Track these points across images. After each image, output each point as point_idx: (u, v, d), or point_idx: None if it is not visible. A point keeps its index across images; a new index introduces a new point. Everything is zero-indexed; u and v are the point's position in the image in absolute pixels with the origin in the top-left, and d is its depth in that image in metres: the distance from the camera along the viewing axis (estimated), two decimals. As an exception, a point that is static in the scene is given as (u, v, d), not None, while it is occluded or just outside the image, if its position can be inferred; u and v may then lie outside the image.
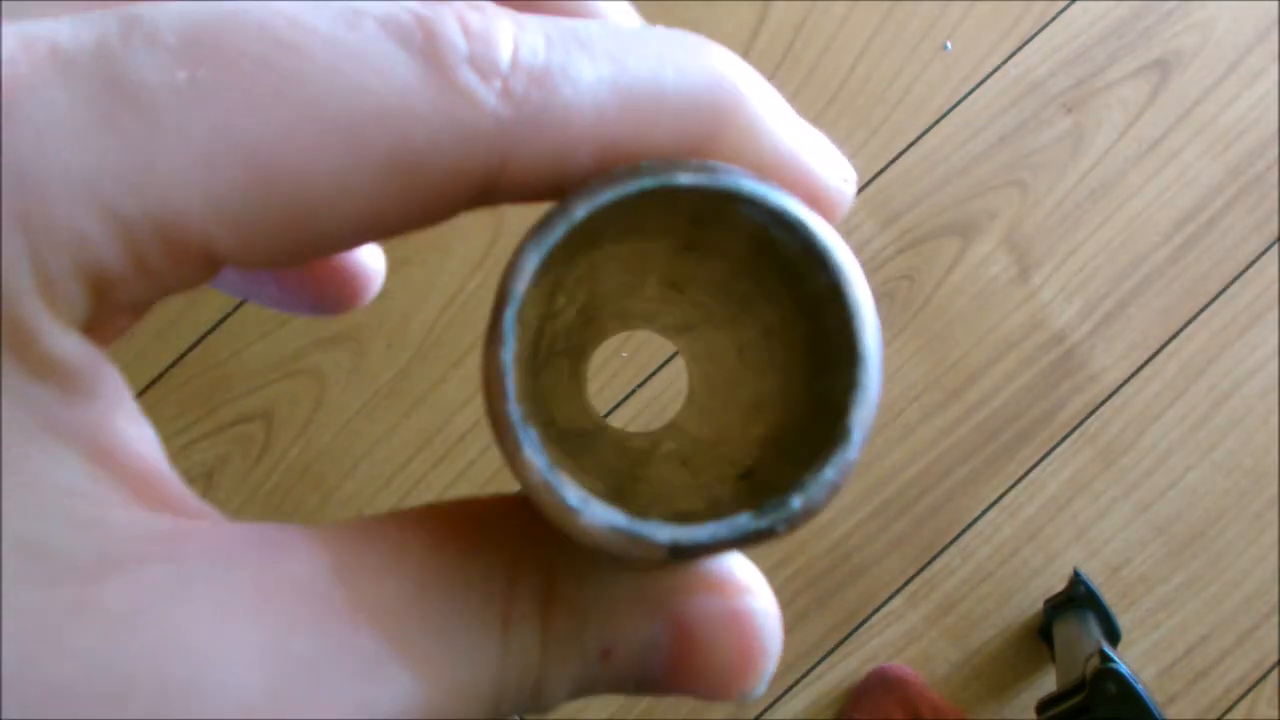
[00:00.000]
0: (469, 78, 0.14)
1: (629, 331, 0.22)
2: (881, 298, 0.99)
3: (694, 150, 0.16)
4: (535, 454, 0.15)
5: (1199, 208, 1.00)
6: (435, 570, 0.14)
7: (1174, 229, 1.00)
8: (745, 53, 0.96)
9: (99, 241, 0.13)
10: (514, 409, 0.15)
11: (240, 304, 0.96)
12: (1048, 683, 0.97)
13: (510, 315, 0.15)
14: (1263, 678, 0.97)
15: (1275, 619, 0.97)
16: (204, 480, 0.94)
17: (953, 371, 0.99)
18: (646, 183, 0.15)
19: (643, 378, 0.97)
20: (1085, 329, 0.99)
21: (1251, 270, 1.00)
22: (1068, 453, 0.99)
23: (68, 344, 0.13)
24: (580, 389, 0.22)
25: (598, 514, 0.14)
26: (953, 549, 0.98)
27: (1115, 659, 0.84)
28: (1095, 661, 0.85)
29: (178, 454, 0.91)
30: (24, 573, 0.12)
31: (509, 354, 0.15)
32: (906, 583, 0.98)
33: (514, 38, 0.14)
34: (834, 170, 0.17)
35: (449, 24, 0.14)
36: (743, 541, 0.15)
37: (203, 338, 0.95)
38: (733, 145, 0.16)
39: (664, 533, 0.14)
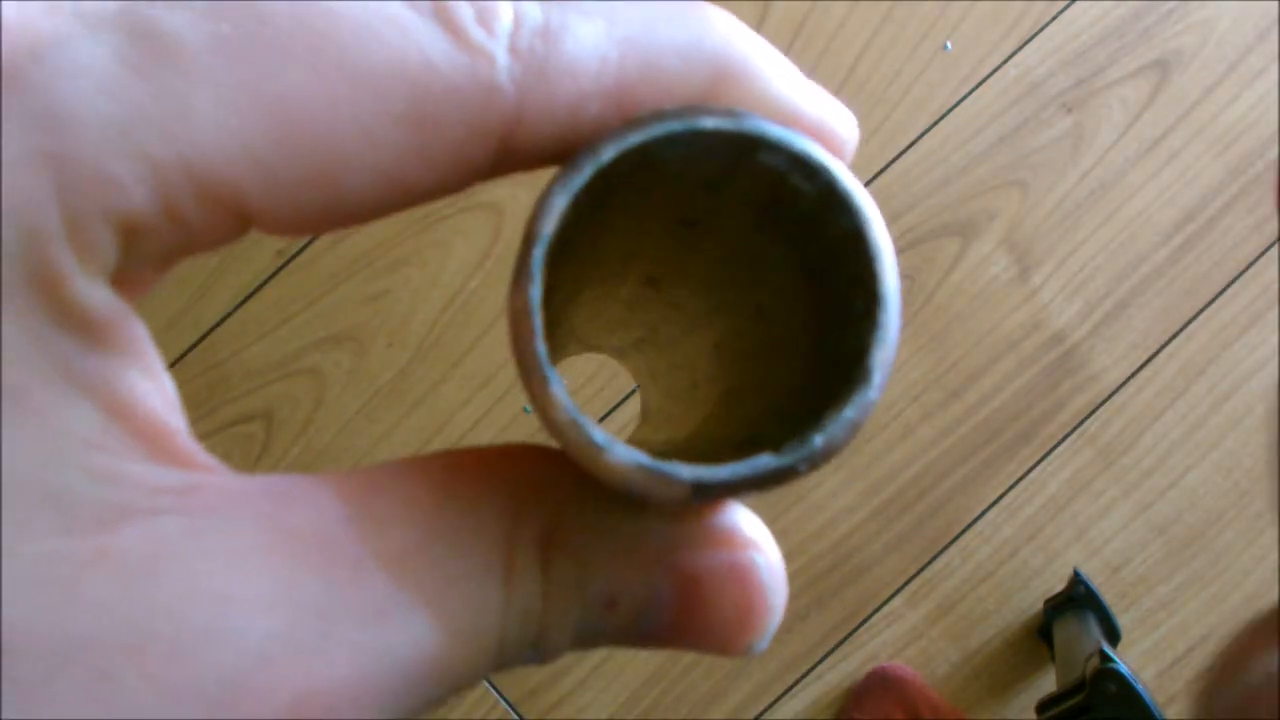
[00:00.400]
0: (478, 33, 0.14)
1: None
2: (881, 298, 0.99)
3: (702, 99, 0.16)
4: (562, 392, 0.15)
5: (1199, 208, 1.00)
6: (442, 518, 0.15)
7: (1174, 229, 1.00)
8: (745, 53, 0.96)
9: (130, 186, 0.13)
10: (541, 347, 0.15)
11: (241, 303, 0.96)
12: (1048, 683, 0.97)
13: (539, 254, 0.15)
14: (1263, 678, 0.97)
15: (1275, 619, 0.97)
16: (204, 480, 0.94)
17: (953, 371, 0.99)
18: (673, 125, 0.15)
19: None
20: (1085, 329, 0.99)
21: (1251, 270, 1.00)
22: (1068, 453, 0.99)
23: (93, 293, 0.13)
24: None
25: (622, 452, 0.14)
26: (953, 549, 0.98)
27: (1115, 659, 0.84)
28: (1095, 661, 0.85)
29: (178, 454, 0.91)
30: (43, 521, 0.12)
31: (536, 293, 0.15)
32: (906, 583, 0.98)
33: (512, 4, 0.15)
34: (838, 117, 0.17)
35: None
36: (764, 481, 0.15)
37: (203, 337, 0.95)
38: (736, 96, 0.16)
39: (687, 471, 0.14)
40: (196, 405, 0.94)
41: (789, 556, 0.99)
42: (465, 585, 0.14)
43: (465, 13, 0.15)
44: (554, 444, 0.16)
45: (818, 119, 0.17)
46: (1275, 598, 0.97)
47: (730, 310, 0.19)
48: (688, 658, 0.93)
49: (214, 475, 0.14)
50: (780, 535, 0.97)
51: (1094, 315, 1.00)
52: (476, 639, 0.15)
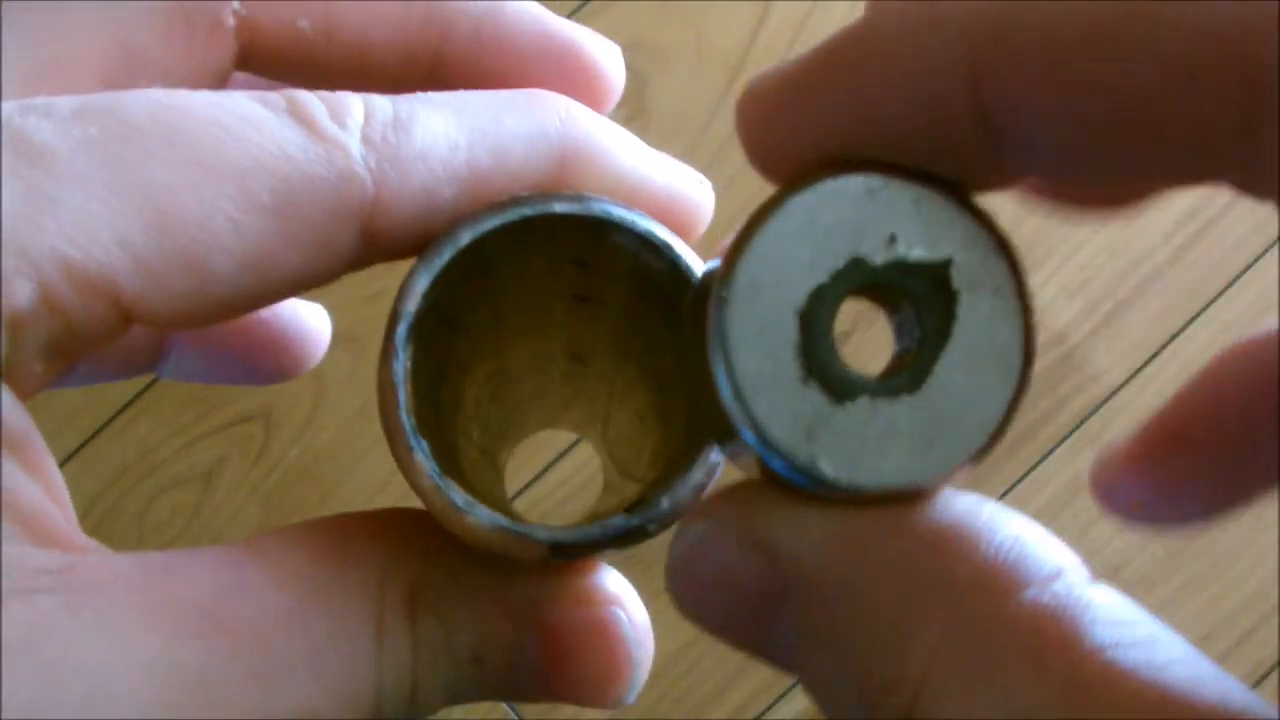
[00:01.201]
0: (331, 127, 0.16)
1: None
2: (881, 298, 0.99)
3: (551, 181, 0.17)
4: (425, 459, 0.16)
5: (1199, 208, 1.00)
6: (315, 583, 0.15)
7: (1174, 229, 1.00)
8: (745, 53, 0.96)
9: (8, 279, 0.14)
10: (405, 418, 0.16)
11: (240, 304, 0.96)
12: (1048, 683, 0.97)
13: (401, 331, 0.16)
14: (1263, 678, 0.97)
15: (1275, 619, 0.97)
16: (203, 480, 0.94)
17: (953, 371, 0.99)
18: (525, 210, 0.16)
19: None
20: (1085, 329, 0.99)
21: (1251, 270, 1.00)
22: (1068, 453, 0.99)
23: None
24: (498, 478, 0.24)
25: (483, 515, 0.16)
26: (953, 549, 0.98)
27: (1115, 659, 0.84)
28: (1095, 662, 0.85)
29: (177, 454, 0.91)
30: None
31: (400, 368, 0.16)
32: (906, 583, 0.98)
33: (362, 100, 0.16)
34: (687, 183, 0.18)
35: (305, 94, 0.16)
36: (618, 540, 0.16)
37: (202, 338, 0.95)
38: (585, 174, 0.17)
39: (543, 533, 0.16)
40: (195, 406, 0.93)
41: (789, 557, 0.98)
42: (339, 646, 0.15)
43: (318, 108, 0.16)
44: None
45: (666, 187, 0.18)
46: (1275, 598, 0.97)
47: (644, 379, 0.20)
48: (690, 657, 0.93)
49: (92, 555, 0.14)
50: (780, 535, 0.97)
51: (1094, 315, 1.00)
52: (352, 698, 0.15)
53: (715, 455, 0.16)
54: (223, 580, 0.15)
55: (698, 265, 0.16)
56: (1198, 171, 0.11)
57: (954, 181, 0.13)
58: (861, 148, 0.13)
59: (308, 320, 0.26)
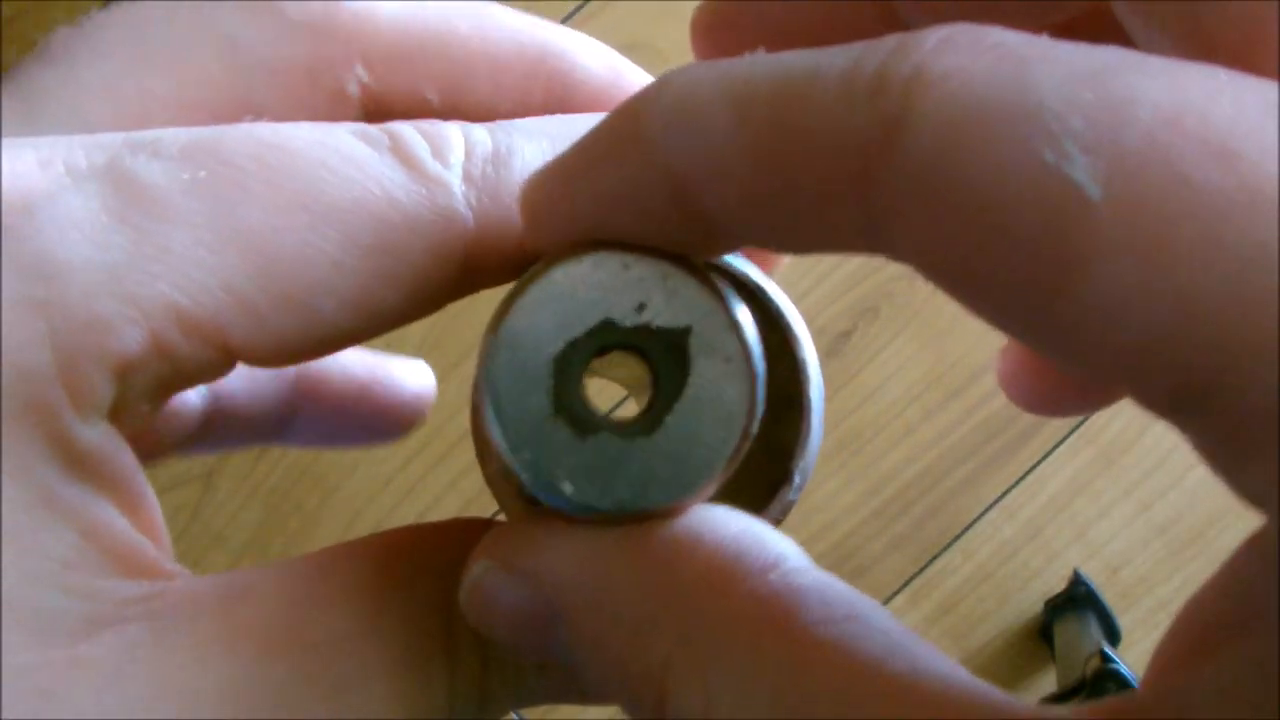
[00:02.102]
0: (434, 166, 0.16)
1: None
2: (882, 298, 0.99)
3: None
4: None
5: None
6: (384, 600, 0.16)
7: (1174, 229, 1.00)
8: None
9: (119, 327, 0.14)
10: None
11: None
12: (1048, 683, 0.97)
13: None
14: (1263, 678, 0.97)
15: (1275, 619, 0.97)
16: (203, 480, 0.94)
17: (953, 371, 0.99)
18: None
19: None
20: (1085, 329, 0.99)
21: None
22: (1068, 453, 0.99)
23: (83, 430, 0.14)
24: None
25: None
26: (953, 549, 0.98)
27: (1116, 659, 0.84)
28: (1095, 662, 0.85)
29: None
30: (23, 635, 0.13)
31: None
32: (907, 583, 0.98)
33: (463, 133, 0.16)
34: None
35: (408, 130, 0.16)
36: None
37: (202, 338, 0.95)
38: None
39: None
40: (196, 405, 0.94)
41: (789, 557, 0.99)
42: (412, 661, 0.15)
43: (420, 147, 0.16)
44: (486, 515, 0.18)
45: None
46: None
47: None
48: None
49: (177, 581, 0.15)
50: (780, 535, 0.97)
51: (1094, 315, 1.00)
52: (427, 709, 0.16)
53: (795, 493, 0.17)
54: (298, 598, 0.15)
55: (787, 308, 0.17)
56: (853, 244, 0.13)
57: (702, 263, 0.15)
58: (609, 231, 0.15)
59: (420, 379, 0.26)
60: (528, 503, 0.16)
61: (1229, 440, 0.11)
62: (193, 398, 0.22)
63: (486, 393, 0.15)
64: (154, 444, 0.22)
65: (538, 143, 0.17)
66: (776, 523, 0.17)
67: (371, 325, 0.16)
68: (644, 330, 0.15)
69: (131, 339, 0.14)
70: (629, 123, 0.14)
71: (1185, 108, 0.11)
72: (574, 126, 0.17)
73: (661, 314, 0.15)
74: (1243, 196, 0.10)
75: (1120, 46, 0.12)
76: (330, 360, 0.24)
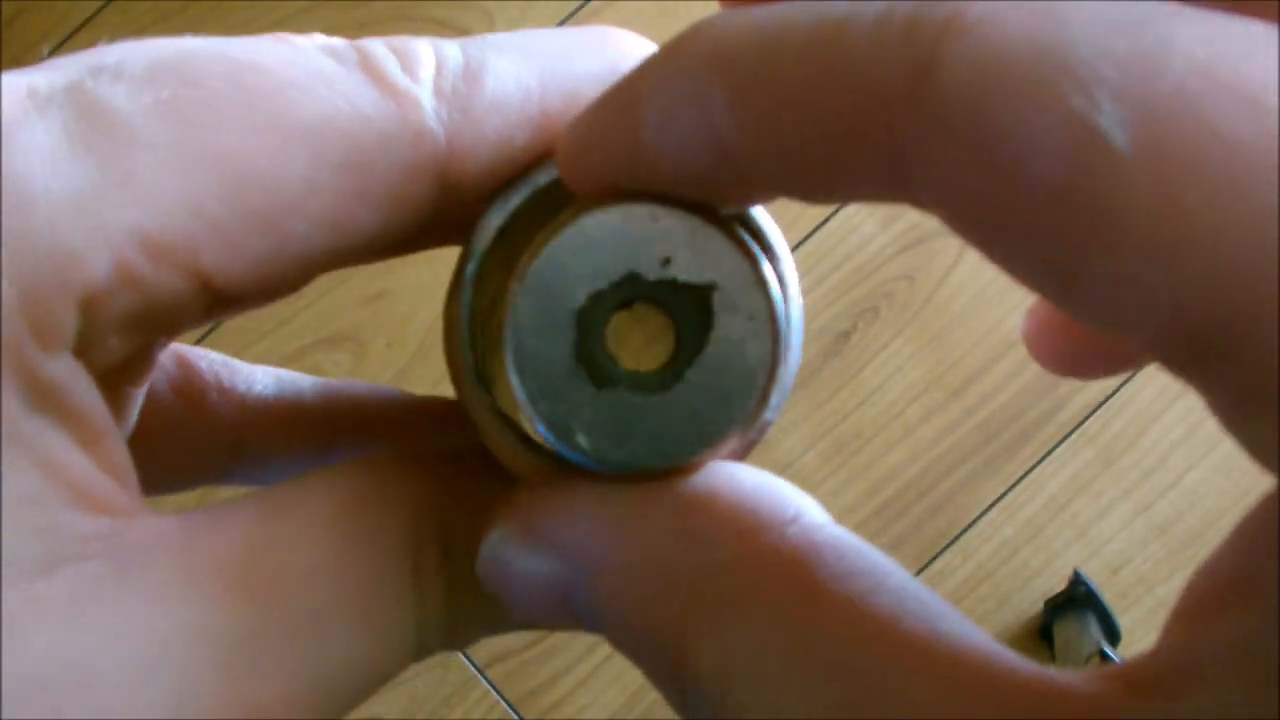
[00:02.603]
0: (403, 80, 0.15)
1: None
2: (881, 298, 0.99)
3: None
4: (484, 394, 0.16)
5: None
6: (350, 532, 0.15)
7: (1174, 229, 1.00)
8: (745, 53, 0.96)
9: (85, 256, 0.14)
10: (467, 354, 0.16)
11: (240, 304, 0.96)
12: (1048, 683, 0.97)
13: (471, 269, 0.16)
14: (1263, 678, 0.97)
15: (1275, 619, 0.97)
16: (204, 480, 0.94)
17: (953, 371, 0.99)
18: None
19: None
20: (1085, 329, 0.99)
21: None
22: (1068, 453, 0.99)
23: (45, 361, 0.14)
24: None
25: (538, 451, 0.16)
26: (953, 549, 0.98)
27: (1116, 659, 0.84)
28: (1095, 662, 0.85)
29: (178, 454, 0.91)
30: None
31: (465, 306, 0.16)
32: (907, 583, 0.98)
33: (433, 47, 0.16)
34: None
35: (377, 46, 0.16)
36: (663, 475, 0.16)
37: (203, 338, 0.95)
38: None
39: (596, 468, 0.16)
40: (196, 405, 0.94)
41: (789, 557, 0.99)
42: (379, 592, 0.15)
43: (389, 62, 0.16)
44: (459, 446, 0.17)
45: None
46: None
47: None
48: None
49: (140, 519, 0.15)
50: (780, 535, 0.97)
51: (1094, 315, 1.00)
52: (397, 641, 0.16)
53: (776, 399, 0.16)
54: (261, 534, 0.15)
55: (769, 221, 0.17)
56: (881, 191, 0.13)
57: (731, 217, 0.15)
58: (645, 177, 0.15)
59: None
60: (537, 454, 0.16)
61: (1243, 396, 0.11)
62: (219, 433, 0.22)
63: (508, 341, 0.15)
64: (171, 469, 0.22)
65: (511, 57, 0.16)
66: (753, 443, 0.17)
67: (347, 246, 0.16)
68: (669, 284, 0.15)
69: (96, 268, 0.14)
70: (667, 67, 0.14)
71: (1219, 58, 0.10)
72: (550, 41, 0.17)
73: (687, 269, 0.15)
74: (1270, 149, 0.10)
75: None
76: (371, 393, 0.23)
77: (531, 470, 0.16)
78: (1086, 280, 0.11)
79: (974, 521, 0.98)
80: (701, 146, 0.14)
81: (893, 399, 0.99)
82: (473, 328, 0.17)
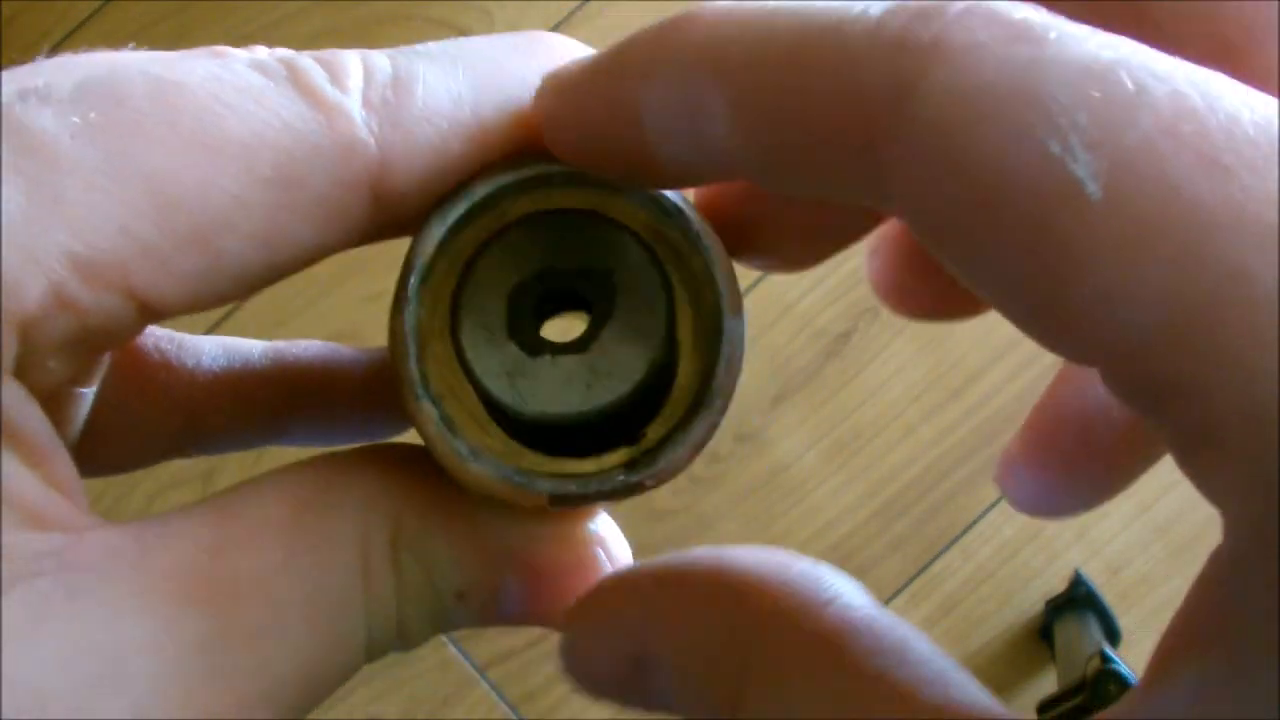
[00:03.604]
0: (332, 93, 0.16)
1: None
2: (882, 298, 0.99)
3: None
4: (432, 407, 0.17)
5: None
6: (298, 534, 0.16)
7: (1174, 229, 1.00)
8: (745, 53, 0.96)
9: (15, 280, 0.14)
10: (414, 367, 0.17)
11: (240, 304, 0.96)
12: (1048, 683, 0.97)
13: (414, 282, 0.17)
14: (1263, 678, 0.97)
15: (1276, 619, 0.97)
16: (203, 480, 0.94)
17: (953, 372, 0.99)
18: (541, 167, 0.17)
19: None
20: (1086, 329, 0.99)
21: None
22: (1068, 453, 0.99)
23: None
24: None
25: (487, 464, 0.16)
26: (954, 549, 0.98)
27: (1116, 660, 0.84)
28: (1096, 662, 0.85)
29: (177, 454, 0.91)
30: None
31: (411, 318, 0.17)
32: (907, 583, 0.98)
33: (361, 59, 0.16)
34: None
35: (304, 59, 0.16)
36: (616, 494, 0.17)
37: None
38: None
39: (545, 484, 0.17)
40: (196, 405, 0.94)
41: (789, 557, 0.98)
42: (328, 595, 0.15)
43: (317, 74, 0.16)
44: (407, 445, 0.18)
45: None
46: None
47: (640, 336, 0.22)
48: (688, 658, 0.93)
49: (90, 533, 0.15)
50: (781, 536, 0.97)
51: (1094, 315, 0.99)
52: (348, 642, 0.16)
53: (715, 415, 0.17)
54: (211, 541, 0.15)
55: (705, 228, 0.18)
56: (858, 194, 0.14)
57: (624, 208, 0.18)
58: (641, 176, 0.16)
59: None
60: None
61: (1193, 439, 0.12)
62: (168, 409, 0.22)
63: (465, 324, 0.18)
64: (127, 450, 0.22)
65: (441, 65, 0.16)
66: (702, 443, 0.17)
67: (281, 260, 0.16)
68: (579, 272, 0.18)
69: (30, 294, 0.14)
70: (661, 62, 0.14)
71: (1184, 115, 0.11)
72: (481, 48, 0.17)
73: (591, 260, 0.18)
74: (1228, 214, 0.11)
75: (1133, 38, 0.12)
76: (328, 357, 0.23)
77: (476, 482, 0.17)
78: (1048, 313, 0.12)
79: (974, 522, 0.98)
80: (696, 145, 0.15)
81: (893, 399, 0.99)
82: (419, 340, 0.17)
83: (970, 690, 0.15)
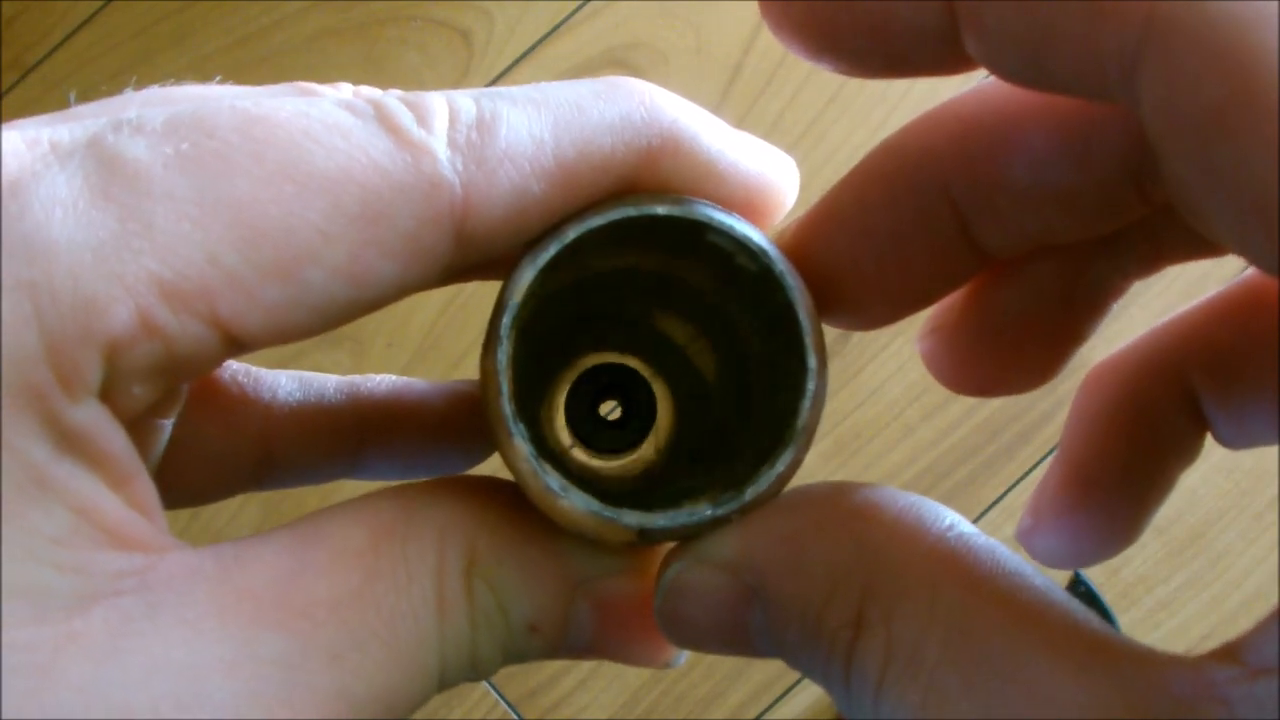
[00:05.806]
0: (418, 133, 0.16)
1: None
2: (881, 298, 1.00)
3: (639, 170, 0.18)
4: (524, 444, 0.17)
5: (1199, 208, 1.01)
6: (376, 562, 0.16)
7: (1174, 229, 1.00)
8: (744, 53, 0.96)
9: (105, 305, 0.14)
10: (506, 405, 0.17)
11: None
12: (1048, 683, 0.97)
13: (506, 321, 0.17)
14: (1263, 678, 0.97)
15: (1275, 619, 0.97)
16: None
17: (953, 371, 0.99)
18: (629, 211, 0.17)
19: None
20: (1085, 329, 0.99)
21: (1251, 270, 1.00)
22: (1068, 453, 0.99)
23: (71, 409, 0.14)
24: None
25: (577, 499, 0.17)
26: (953, 549, 0.98)
27: (1115, 659, 0.84)
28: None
29: (177, 454, 0.91)
30: (17, 612, 0.14)
31: (504, 357, 0.17)
32: (906, 583, 0.98)
33: (446, 101, 0.17)
34: (776, 165, 0.19)
35: (392, 99, 0.16)
36: (702, 528, 0.17)
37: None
38: (673, 162, 0.18)
39: (633, 518, 0.17)
40: (196, 405, 0.94)
41: (789, 557, 0.98)
42: (405, 621, 0.16)
43: (404, 114, 0.16)
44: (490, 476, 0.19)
45: (757, 171, 0.19)
46: (1275, 598, 0.97)
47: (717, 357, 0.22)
48: (690, 657, 0.93)
49: (171, 554, 0.15)
50: (780, 535, 0.97)
51: (1094, 315, 1.00)
52: (421, 669, 0.16)
53: (801, 452, 0.18)
54: (290, 565, 0.15)
55: (786, 265, 0.18)
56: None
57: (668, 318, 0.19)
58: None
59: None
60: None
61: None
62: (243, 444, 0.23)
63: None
64: (204, 482, 0.22)
65: (524, 108, 0.17)
66: (784, 480, 0.18)
67: (367, 295, 0.16)
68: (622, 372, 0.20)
69: (118, 318, 0.14)
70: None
71: None
72: (562, 92, 0.17)
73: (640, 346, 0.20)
74: None
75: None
76: (401, 391, 0.23)
77: (566, 516, 0.17)
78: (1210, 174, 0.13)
79: (974, 521, 0.98)
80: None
81: (893, 399, 0.99)
82: (511, 377, 0.17)
83: (1093, 621, 0.15)
